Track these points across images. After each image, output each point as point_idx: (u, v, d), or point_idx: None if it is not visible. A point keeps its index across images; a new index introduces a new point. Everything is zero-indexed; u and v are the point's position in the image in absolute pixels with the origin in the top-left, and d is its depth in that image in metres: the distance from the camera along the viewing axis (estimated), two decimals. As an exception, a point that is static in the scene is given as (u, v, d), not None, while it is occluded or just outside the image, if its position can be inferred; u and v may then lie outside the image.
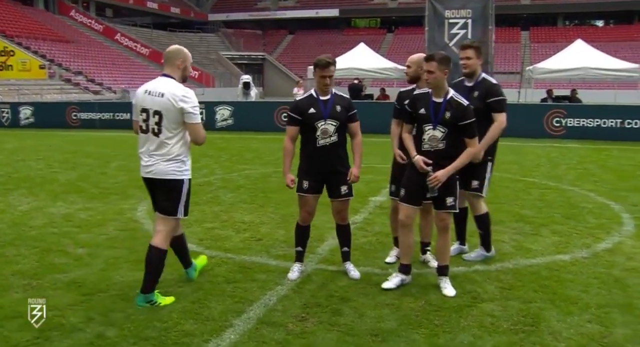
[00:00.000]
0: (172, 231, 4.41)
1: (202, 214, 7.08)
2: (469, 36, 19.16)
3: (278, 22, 61.93)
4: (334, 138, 4.66)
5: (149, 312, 4.13)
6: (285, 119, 4.83)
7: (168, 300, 4.33)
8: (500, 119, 4.95)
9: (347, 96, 4.85)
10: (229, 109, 18.72)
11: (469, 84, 5.04)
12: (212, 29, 58.32)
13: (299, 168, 4.81)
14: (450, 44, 19.51)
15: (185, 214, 4.43)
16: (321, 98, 4.70)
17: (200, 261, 5.00)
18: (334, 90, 4.78)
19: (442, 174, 4.36)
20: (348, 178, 4.72)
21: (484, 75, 5.05)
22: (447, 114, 4.35)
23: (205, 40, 55.59)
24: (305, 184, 4.73)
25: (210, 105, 19.09)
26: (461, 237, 5.49)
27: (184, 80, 4.46)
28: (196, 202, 7.74)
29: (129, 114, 19.71)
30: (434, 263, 5.07)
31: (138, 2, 53.30)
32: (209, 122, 18.75)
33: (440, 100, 4.41)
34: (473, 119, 4.40)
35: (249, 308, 4.21)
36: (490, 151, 5.06)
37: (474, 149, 4.49)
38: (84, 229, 6.38)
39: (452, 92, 4.45)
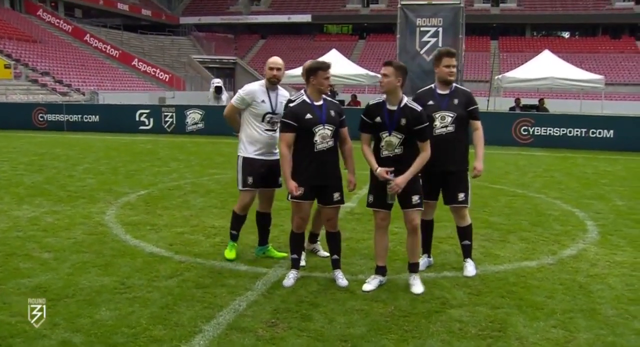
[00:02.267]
0: (240, 200, 5.44)
1: (172, 219, 7.01)
2: (440, 44, 19.45)
3: (250, 27, 61.82)
4: (331, 143, 4.72)
5: (117, 317, 4.07)
6: (280, 125, 4.79)
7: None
8: (480, 126, 5.08)
9: (337, 102, 5.02)
10: (200, 113, 18.60)
11: (443, 91, 5.02)
12: (183, 32, 57.93)
13: (294, 174, 4.73)
14: (422, 52, 19.77)
15: (239, 185, 5.38)
16: (315, 103, 4.72)
17: (275, 253, 5.55)
18: (324, 96, 4.87)
19: (401, 181, 4.49)
20: (348, 187, 4.81)
21: (455, 84, 5.11)
22: (403, 121, 4.49)
23: (177, 44, 55.13)
24: (301, 190, 4.70)
25: (181, 109, 18.99)
26: (428, 250, 5.46)
27: (269, 82, 5.25)
28: (166, 206, 7.70)
29: (97, 116, 19.53)
30: (322, 253, 5.55)
31: (108, 4, 52.61)
32: (179, 126, 18.66)
33: (395, 108, 4.53)
34: (426, 124, 4.55)
35: (219, 313, 4.18)
36: (467, 160, 5.12)
37: (426, 152, 4.59)
38: (50, 233, 6.26)
39: (405, 99, 4.57)
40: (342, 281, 4.83)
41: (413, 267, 4.81)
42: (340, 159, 4.87)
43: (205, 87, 40.83)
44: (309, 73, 4.73)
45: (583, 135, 16.11)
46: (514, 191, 9.39)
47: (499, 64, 46.18)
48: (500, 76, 22.75)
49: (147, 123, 18.99)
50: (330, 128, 4.68)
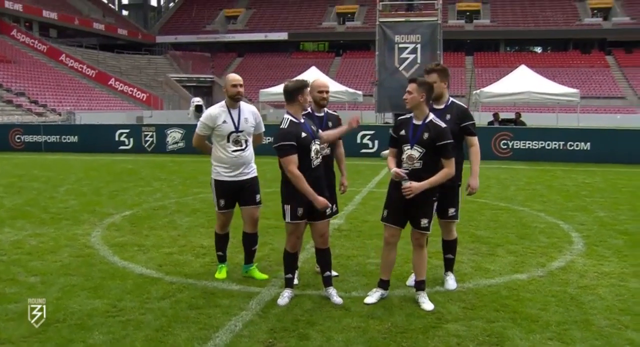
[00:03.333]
0: (217, 220, 5.51)
1: (159, 239, 6.94)
2: (419, 61, 19.77)
3: (227, 45, 62.02)
4: (327, 151, 4.90)
5: (111, 341, 4.00)
6: (280, 150, 4.64)
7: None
8: (476, 142, 5.12)
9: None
10: (181, 132, 18.52)
11: (438, 106, 5.08)
12: (160, 51, 57.88)
13: (288, 196, 4.71)
14: (400, 68, 20.04)
15: (215, 207, 5.43)
16: (302, 120, 4.75)
17: (257, 274, 5.46)
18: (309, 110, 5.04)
19: (416, 186, 4.51)
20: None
21: (452, 98, 5.17)
22: (425, 135, 4.57)
23: (154, 63, 55.05)
24: (300, 211, 4.69)
25: (161, 128, 18.90)
26: None
27: (232, 99, 5.26)
28: (152, 226, 7.63)
29: (76, 137, 19.32)
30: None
31: (84, 23, 52.40)
32: (160, 145, 18.55)
33: (420, 122, 4.62)
34: (450, 140, 4.59)
35: (215, 335, 4.14)
36: (460, 176, 5.16)
37: (450, 169, 4.62)
38: (35, 256, 6.13)
39: (432, 116, 4.66)
40: (337, 298, 4.81)
41: (419, 285, 4.81)
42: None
43: (184, 105, 40.83)
44: (296, 92, 4.73)
45: (561, 148, 16.40)
46: (497, 204, 9.48)
47: (474, 79, 46.95)
48: (478, 91, 23.11)
49: (127, 143, 18.84)
50: (318, 142, 4.81)
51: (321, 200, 4.59)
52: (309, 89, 4.82)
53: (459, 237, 6.81)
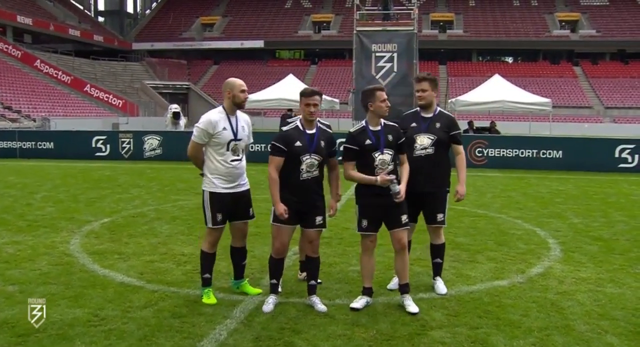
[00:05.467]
0: (208, 236, 5.05)
1: (140, 247, 6.86)
2: (395, 69, 19.93)
3: (203, 52, 61.73)
4: (317, 173, 4.74)
5: (94, 351, 3.95)
6: (270, 149, 4.71)
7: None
8: (463, 150, 5.29)
9: (330, 130, 4.97)
10: (158, 138, 18.39)
11: (426, 115, 5.18)
12: (136, 57, 57.34)
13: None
14: (377, 76, 20.16)
15: (208, 223, 4.99)
16: (307, 131, 4.73)
17: (250, 289, 5.23)
18: (318, 124, 4.85)
19: (403, 190, 4.73)
20: (329, 213, 4.83)
21: (439, 108, 5.26)
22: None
23: (130, 69, 54.50)
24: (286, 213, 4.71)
25: (139, 135, 18.72)
26: None
27: (238, 106, 4.96)
28: (131, 234, 7.54)
29: (52, 143, 19.02)
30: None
31: (59, 29, 51.66)
32: (137, 152, 18.37)
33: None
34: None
35: (200, 344, 4.11)
36: (448, 182, 5.29)
37: (407, 163, 4.92)
38: (12, 265, 6.02)
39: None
40: (321, 306, 4.82)
41: (404, 288, 4.88)
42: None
43: (160, 112, 40.51)
44: (300, 99, 4.79)
45: (534, 156, 16.68)
46: (475, 211, 9.59)
47: (447, 87, 47.49)
48: (453, 99, 23.37)
49: (103, 149, 18.61)
50: (317, 158, 4.72)
51: (278, 207, 4.65)
52: (306, 98, 4.70)
53: (439, 244, 6.91)
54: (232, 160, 4.90)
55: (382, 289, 5.30)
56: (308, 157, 4.68)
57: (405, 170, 4.87)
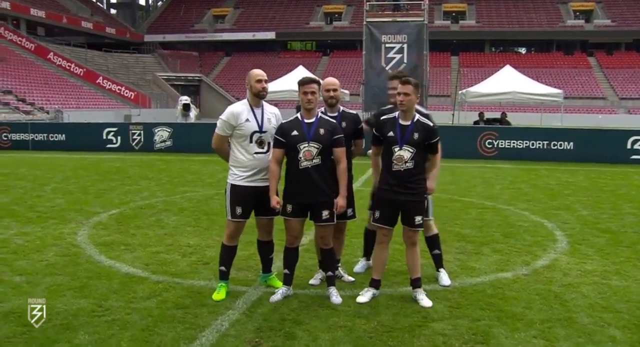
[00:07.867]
0: (226, 229, 5.01)
1: (146, 238, 6.92)
2: (405, 61, 19.83)
3: (215, 44, 61.76)
4: (317, 161, 4.66)
5: (96, 341, 3.99)
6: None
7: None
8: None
9: (334, 121, 4.84)
10: (168, 130, 18.46)
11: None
12: (148, 50, 57.46)
13: (283, 191, 4.80)
14: (387, 68, 20.08)
15: (227, 215, 4.94)
16: (305, 121, 4.74)
17: (278, 284, 5.11)
18: (320, 114, 4.82)
19: (432, 187, 4.96)
20: (334, 208, 4.74)
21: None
22: (416, 135, 4.66)
23: (141, 61, 54.68)
24: (289, 207, 4.74)
25: (149, 127, 18.81)
26: (368, 254, 5.68)
27: (257, 96, 4.89)
28: (139, 225, 7.60)
29: (64, 135, 19.19)
30: (347, 278, 5.42)
31: (72, 22, 51.89)
32: (148, 144, 18.47)
33: (408, 123, 4.71)
34: (438, 138, 4.77)
35: (201, 334, 4.14)
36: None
37: (437, 161, 4.92)
38: (20, 256, 6.09)
39: (417, 115, 4.75)
40: (336, 298, 4.81)
41: (416, 283, 4.87)
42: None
43: (172, 104, 40.61)
44: (298, 88, 4.81)
45: (545, 147, 16.54)
46: (482, 203, 9.55)
47: (459, 78, 47.14)
48: (464, 91, 23.23)
49: (114, 141, 18.74)
50: (316, 146, 4.67)
51: (272, 199, 4.69)
52: (304, 85, 4.70)
53: (444, 236, 6.91)
54: (256, 153, 4.84)
55: (385, 281, 5.29)
56: (306, 145, 4.67)
57: (433, 167, 4.90)
